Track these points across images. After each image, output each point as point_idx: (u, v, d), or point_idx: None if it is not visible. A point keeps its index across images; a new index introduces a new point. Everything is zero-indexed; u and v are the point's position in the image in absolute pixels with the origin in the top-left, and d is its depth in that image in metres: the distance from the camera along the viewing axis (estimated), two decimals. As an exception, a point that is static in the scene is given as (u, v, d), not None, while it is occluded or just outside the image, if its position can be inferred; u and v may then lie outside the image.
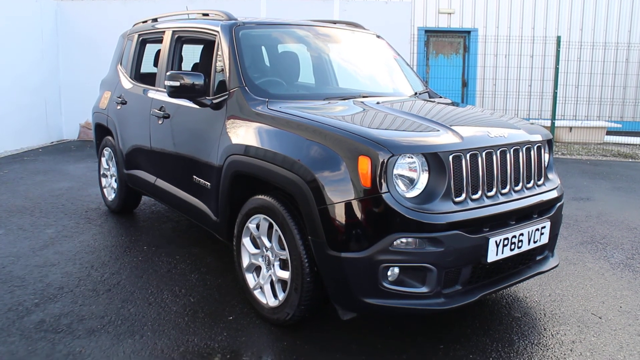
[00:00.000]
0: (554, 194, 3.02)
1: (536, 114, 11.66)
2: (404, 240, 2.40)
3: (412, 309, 2.49)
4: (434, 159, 2.50)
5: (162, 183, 3.98)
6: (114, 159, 4.78)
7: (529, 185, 2.89)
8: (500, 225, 2.67)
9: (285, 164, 2.63)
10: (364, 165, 2.40)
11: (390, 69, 4.20)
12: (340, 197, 2.44)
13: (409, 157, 2.46)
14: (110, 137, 4.80)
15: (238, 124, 3.06)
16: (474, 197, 2.60)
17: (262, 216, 2.85)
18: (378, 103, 3.18)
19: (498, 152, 2.71)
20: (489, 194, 2.67)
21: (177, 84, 3.21)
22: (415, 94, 3.86)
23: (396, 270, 2.45)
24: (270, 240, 2.85)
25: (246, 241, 3.02)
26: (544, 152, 3.07)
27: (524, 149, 2.86)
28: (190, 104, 3.48)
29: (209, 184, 3.30)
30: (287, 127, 2.73)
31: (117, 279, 3.49)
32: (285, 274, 2.74)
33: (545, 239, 2.89)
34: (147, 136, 4.03)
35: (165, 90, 3.88)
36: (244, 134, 2.98)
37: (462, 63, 12.09)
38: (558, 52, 9.75)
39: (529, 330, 2.90)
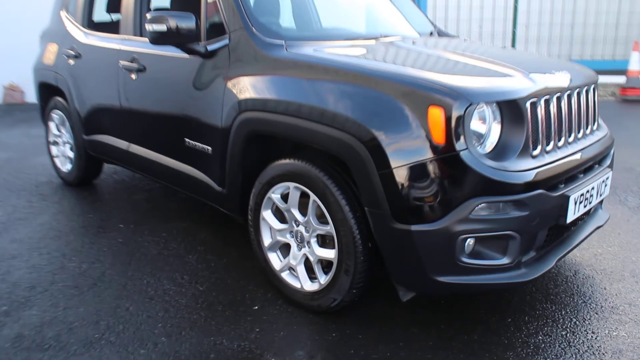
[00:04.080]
0: (609, 140, 2.70)
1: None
2: (486, 205, 1.98)
3: (493, 284, 2.11)
4: (510, 108, 2.07)
5: (138, 149, 3.34)
6: (67, 123, 4.03)
7: (587, 132, 2.56)
8: (572, 179, 2.32)
9: (330, 121, 2.11)
10: (436, 117, 1.94)
11: (386, 5, 3.67)
12: (407, 158, 1.97)
13: (484, 106, 2.02)
14: (61, 98, 4.03)
15: (248, 74, 2.48)
16: (548, 149, 2.22)
17: (292, 184, 2.34)
18: (414, 43, 2.68)
19: (565, 95, 2.33)
20: (559, 144, 2.30)
21: (163, 27, 2.56)
22: (431, 33, 3.39)
23: (472, 241, 2.05)
24: (303, 213, 2.36)
25: (267, 215, 2.51)
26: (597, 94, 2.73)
27: (584, 90, 2.50)
28: (175, 53, 2.83)
29: (209, 148, 2.72)
30: (327, 75, 2.19)
31: (99, 269, 2.89)
32: (329, 253, 2.28)
33: (607, 191, 2.59)
34: (116, 94, 3.34)
35: (135, 38, 3.22)
36: (260, 86, 2.41)
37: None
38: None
39: (589, 290, 2.61)
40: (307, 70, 2.27)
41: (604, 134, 2.70)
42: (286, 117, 2.27)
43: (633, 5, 11.20)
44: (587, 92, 2.54)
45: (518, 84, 2.14)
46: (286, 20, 3.40)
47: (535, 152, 2.15)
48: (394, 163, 1.97)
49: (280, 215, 2.51)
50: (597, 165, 2.54)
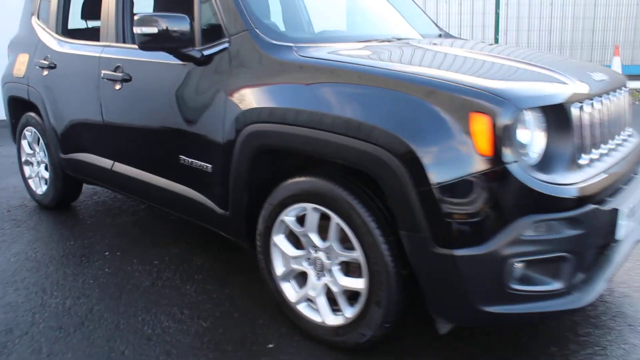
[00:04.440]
0: (642, 144, 2.52)
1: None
2: (538, 224, 1.75)
3: (545, 313, 1.87)
4: (556, 113, 1.85)
5: (124, 168, 3.02)
6: (41, 140, 3.68)
7: (622, 136, 2.37)
8: (617, 191, 2.10)
9: (358, 132, 1.85)
10: (481, 126, 1.70)
11: (384, 6, 3.44)
12: (449, 173, 1.72)
13: (530, 112, 1.79)
14: (34, 114, 3.68)
15: (254, 81, 2.21)
16: (593, 157, 2.01)
17: (309, 205, 2.07)
18: (434, 44, 2.45)
19: (603, 98, 2.13)
20: (602, 151, 2.09)
21: (153, 30, 2.27)
22: (440, 35, 3.17)
23: (521, 265, 1.81)
24: (323, 237, 2.09)
25: (279, 240, 2.23)
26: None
27: (617, 93, 2.31)
28: (166, 60, 2.55)
29: (209, 165, 2.43)
30: (351, 80, 1.93)
31: (86, 305, 2.56)
32: (356, 283, 2.01)
33: (646, 202, 2.39)
34: (97, 107, 3.02)
35: (119, 45, 2.93)
36: (269, 94, 2.14)
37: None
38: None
39: (631, 311, 2.40)
40: (326, 75, 2.01)
41: (636, 137, 2.51)
42: (303, 129, 2.00)
43: (608, 11, 11.31)
44: (620, 95, 2.35)
45: (562, 87, 1.92)
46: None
47: (583, 162, 1.93)
48: (434, 179, 1.72)
49: (294, 240, 2.24)
50: (634, 175, 2.35)
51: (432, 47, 2.39)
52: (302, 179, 2.08)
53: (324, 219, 2.07)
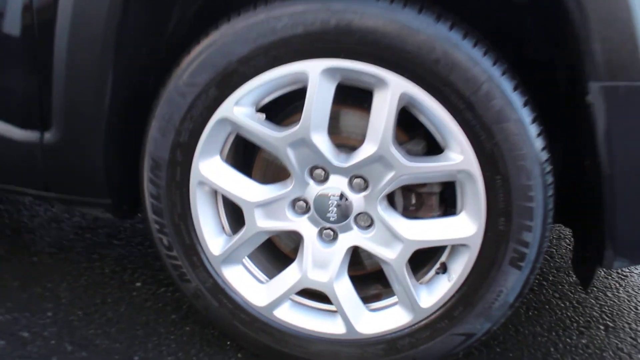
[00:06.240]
0: None
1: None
2: None
3: None
4: None
5: None
6: None
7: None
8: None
9: None
10: None
11: None
12: None
13: None
14: None
15: None
16: None
17: (316, 67, 0.85)
18: None
19: None
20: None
21: None
22: None
23: None
24: (339, 144, 0.92)
25: (215, 168, 0.95)
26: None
27: None
28: None
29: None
30: None
31: None
32: (460, 228, 0.90)
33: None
34: None
35: None
36: None
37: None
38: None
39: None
40: None
41: None
42: None
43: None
44: None
45: None
46: None
47: None
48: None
49: (238, 166, 0.99)
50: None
51: None
52: (293, 6, 0.84)
53: (343, 102, 0.90)
